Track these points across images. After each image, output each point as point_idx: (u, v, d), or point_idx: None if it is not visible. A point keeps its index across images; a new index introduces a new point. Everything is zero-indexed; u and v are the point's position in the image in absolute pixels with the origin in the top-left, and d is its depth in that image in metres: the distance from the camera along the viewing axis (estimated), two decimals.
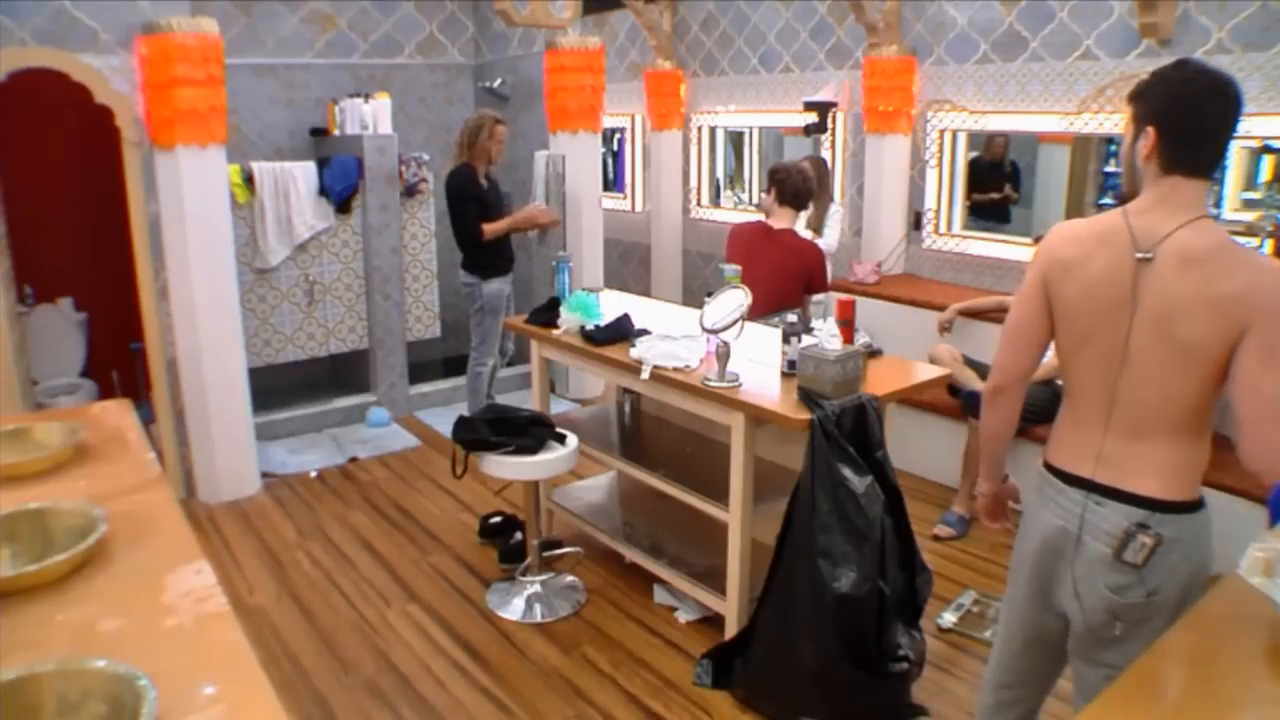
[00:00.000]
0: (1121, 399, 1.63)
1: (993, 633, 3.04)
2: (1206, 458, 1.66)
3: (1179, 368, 1.56)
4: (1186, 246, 1.53)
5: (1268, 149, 4.26)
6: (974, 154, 4.98)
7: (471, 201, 4.34)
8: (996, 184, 5.00)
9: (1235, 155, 4.38)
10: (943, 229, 5.00)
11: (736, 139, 6.49)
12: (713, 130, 6.38)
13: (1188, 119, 1.55)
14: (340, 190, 5.08)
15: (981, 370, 3.86)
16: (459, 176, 4.35)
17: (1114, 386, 1.63)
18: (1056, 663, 1.89)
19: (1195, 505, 1.63)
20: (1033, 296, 1.73)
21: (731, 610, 2.90)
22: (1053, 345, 1.78)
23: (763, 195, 3.84)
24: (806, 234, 3.95)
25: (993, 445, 1.91)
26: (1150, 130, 1.58)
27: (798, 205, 3.75)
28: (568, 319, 3.39)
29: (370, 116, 5.20)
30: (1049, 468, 1.77)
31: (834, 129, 5.32)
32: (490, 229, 4.38)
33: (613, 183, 7.08)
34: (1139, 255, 1.57)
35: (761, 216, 3.85)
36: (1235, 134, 1.57)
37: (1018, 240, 4.72)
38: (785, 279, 3.58)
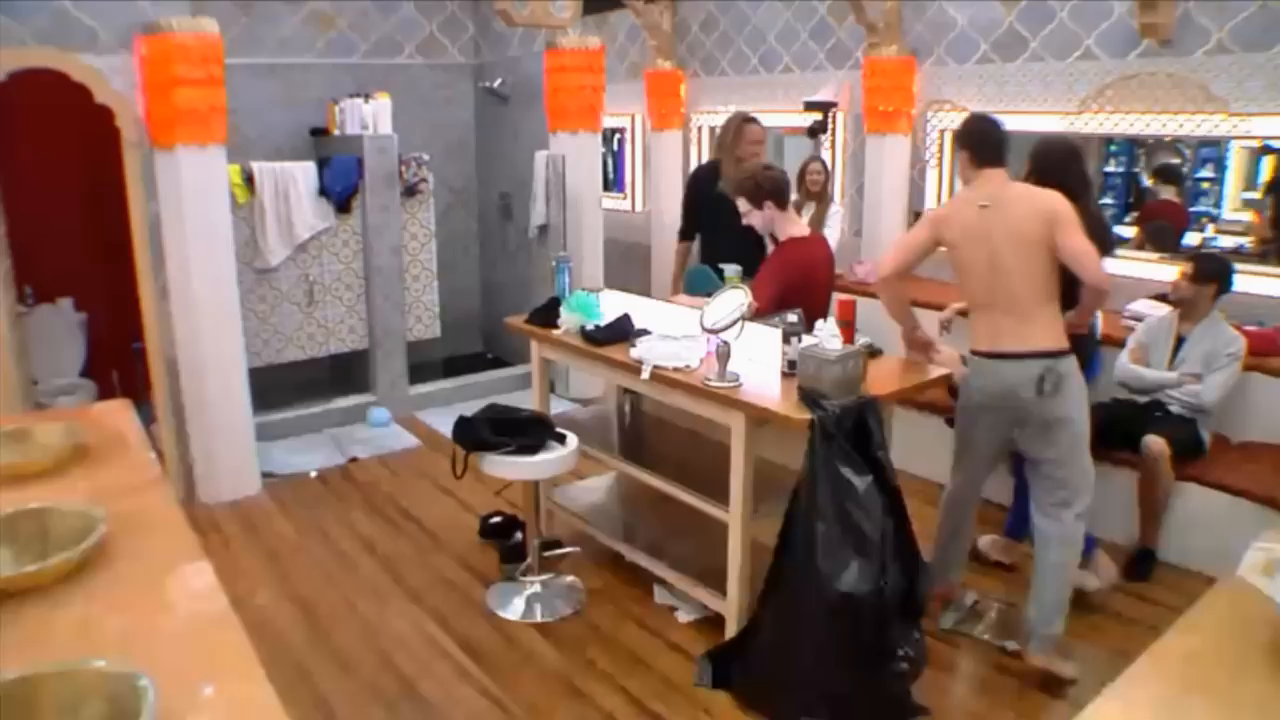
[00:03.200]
0: (1004, 293, 2.67)
1: (989, 632, 3.05)
2: (1061, 318, 2.73)
3: (1031, 255, 2.63)
4: (1008, 193, 2.71)
5: (1268, 149, 4.26)
6: None
7: (690, 201, 4.43)
8: None
9: (1235, 155, 4.38)
10: None
11: None
12: (713, 130, 6.37)
13: (982, 138, 2.80)
14: (340, 190, 5.08)
15: None
16: (694, 172, 4.63)
17: (997, 287, 2.68)
18: (995, 464, 3.07)
19: (1070, 350, 2.70)
20: (924, 232, 2.85)
21: (731, 610, 2.90)
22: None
23: (751, 213, 3.36)
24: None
25: (897, 313, 2.93)
26: (964, 151, 2.81)
27: (788, 199, 3.41)
28: (568, 319, 3.38)
29: (370, 116, 5.21)
30: (975, 354, 2.78)
31: (834, 129, 5.32)
32: (682, 248, 4.58)
33: (613, 183, 7.07)
34: (981, 204, 2.70)
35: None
36: (1006, 142, 2.78)
37: None
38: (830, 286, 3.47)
